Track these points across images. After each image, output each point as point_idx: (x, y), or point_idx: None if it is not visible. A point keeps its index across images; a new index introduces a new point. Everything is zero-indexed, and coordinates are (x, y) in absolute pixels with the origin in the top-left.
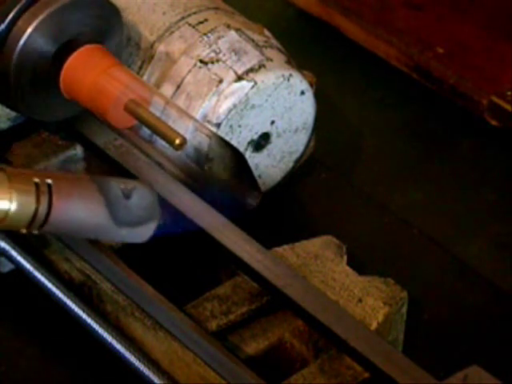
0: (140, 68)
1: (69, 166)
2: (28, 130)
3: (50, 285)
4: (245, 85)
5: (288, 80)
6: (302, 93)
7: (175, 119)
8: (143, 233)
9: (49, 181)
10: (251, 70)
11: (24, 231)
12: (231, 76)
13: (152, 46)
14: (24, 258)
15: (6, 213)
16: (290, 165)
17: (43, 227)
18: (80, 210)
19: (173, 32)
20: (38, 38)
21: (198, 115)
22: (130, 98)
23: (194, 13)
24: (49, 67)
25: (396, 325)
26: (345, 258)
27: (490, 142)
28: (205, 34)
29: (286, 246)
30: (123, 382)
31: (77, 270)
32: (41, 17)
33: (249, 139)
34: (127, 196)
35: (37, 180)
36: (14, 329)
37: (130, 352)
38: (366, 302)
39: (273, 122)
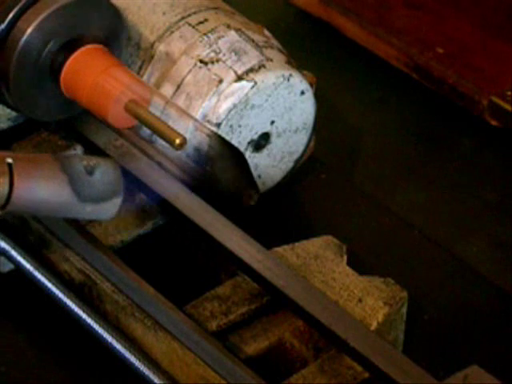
0: (140, 68)
1: None
2: (28, 130)
3: (50, 285)
4: (245, 85)
5: (288, 80)
6: (302, 93)
7: (175, 119)
8: (108, 209)
9: (9, 160)
10: (251, 70)
11: None
12: (231, 76)
13: (152, 45)
14: (24, 258)
15: None
16: (290, 165)
17: (6, 207)
18: (43, 188)
19: (173, 32)
20: (38, 38)
21: (198, 115)
22: (130, 98)
23: (194, 13)
24: (49, 67)
25: (396, 325)
26: (345, 257)
27: (489, 142)
28: (205, 34)
29: (286, 246)
30: (123, 382)
31: (77, 270)
32: (41, 17)
33: (249, 139)
34: (90, 172)
35: None
36: (13, 329)
37: (130, 352)
38: (366, 301)
39: (273, 122)
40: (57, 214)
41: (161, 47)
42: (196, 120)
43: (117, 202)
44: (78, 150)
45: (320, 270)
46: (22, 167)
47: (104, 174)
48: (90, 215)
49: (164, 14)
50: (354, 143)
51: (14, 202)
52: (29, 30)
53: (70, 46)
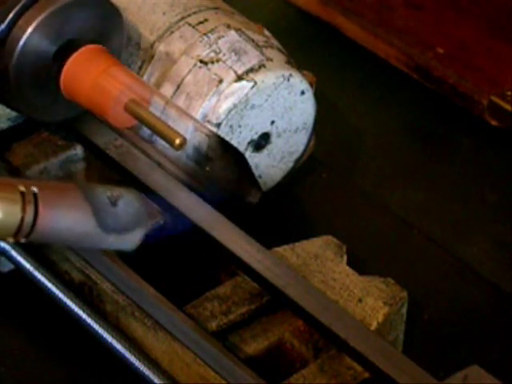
0: (140, 68)
1: (69, 166)
2: (28, 130)
3: (50, 285)
4: (245, 85)
5: (288, 80)
6: (302, 93)
7: (175, 119)
8: (131, 239)
9: (34, 189)
10: (251, 70)
11: (11, 240)
12: (231, 76)
13: (152, 46)
14: (24, 258)
15: None
16: (290, 165)
17: (30, 236)
18: (67, 218)
19: (173, 32)
20: (38, 38)
21: (198, 115)
22: (130, 98)
23: (194, 13)
24: (49, 67)
25: (396, 325)
26: (345, 257)
27: (489, 142)
28: (205, 34)
29: (286, 246)
30: (123, 382)
31: (77, 270)
32: (41, 17)
33: (249, 139)
34: (114, 203)
35: (22, 189)
36: (14, 329)
37: (130, 352)
38: (366, 301)
39: (273, 122)
40: (79, 244)
41: (161, 47)
42: (196, 120)
43: (140, 232)
44: (78, 149)
45: (320, 269)
46: (46, 196)
47: (128, 204)
48: (112, 245)
49: (164, 13)
50: (354, 143)
51: (38, 231)
52: (29, 30)
53: (70, 45)
